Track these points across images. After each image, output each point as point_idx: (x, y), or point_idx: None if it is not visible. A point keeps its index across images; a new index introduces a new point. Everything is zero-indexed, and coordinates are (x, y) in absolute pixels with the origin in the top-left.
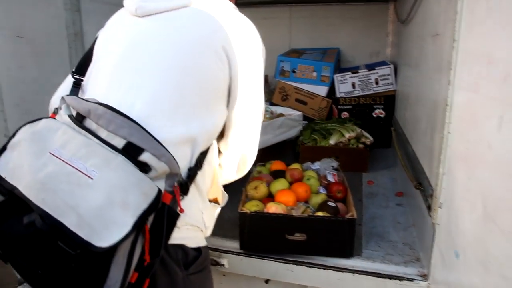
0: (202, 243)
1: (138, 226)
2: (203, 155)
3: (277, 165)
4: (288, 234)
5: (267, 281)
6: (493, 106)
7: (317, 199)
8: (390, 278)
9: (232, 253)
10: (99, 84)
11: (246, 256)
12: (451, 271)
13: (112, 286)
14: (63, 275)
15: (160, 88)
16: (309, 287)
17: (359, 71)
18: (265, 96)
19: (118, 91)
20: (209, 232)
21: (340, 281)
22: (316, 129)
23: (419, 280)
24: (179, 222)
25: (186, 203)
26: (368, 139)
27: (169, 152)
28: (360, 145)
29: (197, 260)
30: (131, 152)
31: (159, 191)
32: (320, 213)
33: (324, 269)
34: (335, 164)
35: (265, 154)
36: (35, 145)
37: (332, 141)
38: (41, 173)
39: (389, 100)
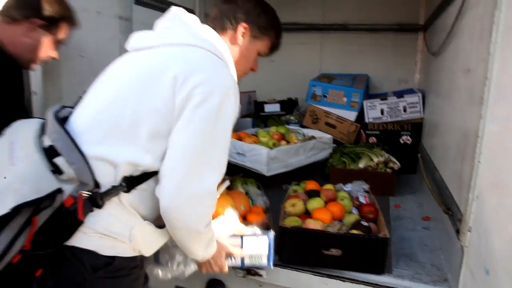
0: (120, 253)
1: (20, 212)
2: (133, 180)
3: (311, 185)
4: (324, 249)
5: None
6: None
7: (350, 219)
8: None
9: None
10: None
11: (283, 268)
12: (482, 287)
13: None
14: None
15: (102, 111)
16: None
17: (388, 98)
18: (295, 118)
19: (79, 107)
20: (146, 250)
21: None
22: (345, 152)
23: None
24: (88, 230)
25: (101, 214)
26: (396, 164)
27: (86, 164)
28: (388, 170)
29: (108, 266)
30: (50, 153)
31: (56, 191)
32: (354, 231)
33: (357, 283)
34: (366, 186)
35: (296, 174)
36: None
37: (361, 164)
38: None
39: (416, 127)
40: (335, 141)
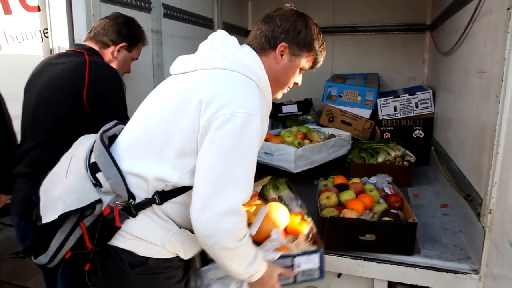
0: (154, 255)
1: (69, 218)
2: (165, 194)
3: (339, 179)
4: (360, 235)
5: (339, 275)
6: None
7: (379, 208)
8: (446, 272)
9: None
10: None
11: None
12: (507, 258)
13: (50, 252)
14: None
15: (140, 131)
16: (376, 280)
17: (400, 95)
18: (312, 118)
19: (126, 127)
20: (183, 254)
21: (404, 274)
22: (363, 148)
23: (472, 273)
24: (126, 234)
25: (138, 221)
26: (412, 157)
27: (121, 178)
28: (405, 163)
29: (143, 265)
30: (93, 169)
31: (96, 201)
32: (386, 218)
33: (391, 264)
34: (389, 179)
35: (319, 171)
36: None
37: (380, 159)
38: None
39: (427, 122)
40: (353, 138)
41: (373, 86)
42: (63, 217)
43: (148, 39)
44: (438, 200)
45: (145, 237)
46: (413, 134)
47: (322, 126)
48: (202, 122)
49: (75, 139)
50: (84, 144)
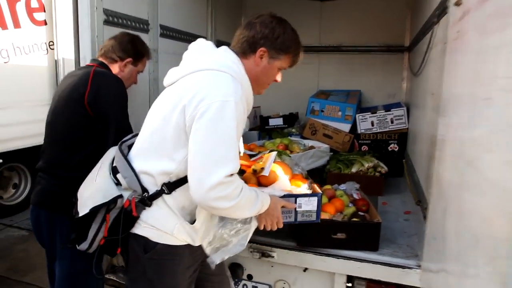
0: (163, 241)
1: (99, 211)
2: (171, 185)
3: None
4: (332, 234)
5: (305, 269)
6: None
7: (349, 210)
8: (396, 267)
9: (280, 247)
10: None
11: (290, 250)
12: (434, 253)
13: (88, 240)
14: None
15: (143, 140)
16: (337, 274)
17: (377, 111)
18: (296, 130)
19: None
20: (192, 241)
21: (360, 269)
22: (341, 159)
23: (416, 268)
24: (142, 222)
25: (149, 212)
26: (383, 168)
27: (134, 176)
28: (377, 174)
29: (152, 250)
30: (114, 171)
31: (117, 197)
32: (354, 219)
33: (349, 260)
34: (357, 186)
35: None
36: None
37: (354, 169)
38: None
39: (402, 137)
40: (331, 150)
41: (353, 103)
42: (94, 211)
43: None
44: (403, 208)
45: (157, 225)
46: (389, 148)
47: (306, 138)
48: (187, 117)
49: (81, 140)
50: (110, 153)
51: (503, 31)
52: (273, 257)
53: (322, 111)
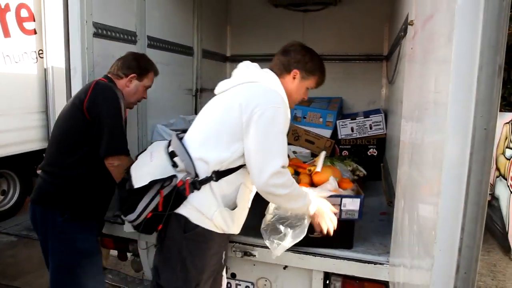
0: (202, 224)
1: (152, 186)
2: (220, 173)
3: None
4: (310, 233)
5: (285, 267)
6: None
7: None
8: (368, 263)
9: (262, 246)
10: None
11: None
12: (395, 246)
13: (137, 212)
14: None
15: (198, 131)
16: (314, 271)
17: (357, 118)
18: None
19: (189, 130)
20: (227, 228)
21: (335, 266)
22: None
23: (387, 264)
24: (188, 204)
25: (196, 195)
26: (362, 172)
27: (190, 160)
28: (355, 177)
29: (192, 231)
30: (171, 155)
31: (172, 176)
32: None
33: (325, 257)
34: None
35: None
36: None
37: None
38: None
39: (380, 142)
40: (313, 154)
41: (334, 109)
42: (151, 184)
43: None
44: (380, 209)
45: (200, 208)
46: (368, 152)
47: (289, 144)
48: (244, 118)
49: (78, 143)
50: (158, 144)
51: (433, 53)
52: (254, 256)
53: (304, 117)
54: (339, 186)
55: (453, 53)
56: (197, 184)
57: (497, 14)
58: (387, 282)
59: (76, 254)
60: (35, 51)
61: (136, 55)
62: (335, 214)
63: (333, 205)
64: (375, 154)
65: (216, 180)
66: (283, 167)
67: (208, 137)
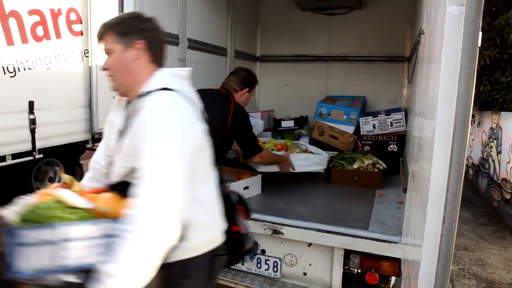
0: None
1: None
2: None
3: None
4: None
5: (309, 244)
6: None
7: None
8: (383, 242)
9: (289, 225)
10: None
11: (297, 228)
12: (406, 226)
13: None
14: None
15: None
16: (335, 248)
17: (379, 115)
18: (306, 132)
19: None
20: None
21: (354, 243)
22: (345, 157)
23: (400, 243)
24: None
25: None
26: (382, 165)
27: None
28: (376, 169)
29: None
30: None
31: None
32: None
33: (345, 236)
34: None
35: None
36: None
37: (355, 165)
38: None
39: (400, 138)
40: (337, 149)
41: (357, 107)
42: None
43: (176, 67)
44: (397, 199)
45: None
46: (388, 148)
47: (314, 139)
48: None
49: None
50: None
51: (432, 59)
52: (283, 233)
53: (329, 114)
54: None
55: (442, 60)
56: None
57: (472, 35)
58: (400, 259)
59: None
60: (81, 51)
61: (248, 72)
62: None
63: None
64: (395, 149)
65: None
66: None
67: None
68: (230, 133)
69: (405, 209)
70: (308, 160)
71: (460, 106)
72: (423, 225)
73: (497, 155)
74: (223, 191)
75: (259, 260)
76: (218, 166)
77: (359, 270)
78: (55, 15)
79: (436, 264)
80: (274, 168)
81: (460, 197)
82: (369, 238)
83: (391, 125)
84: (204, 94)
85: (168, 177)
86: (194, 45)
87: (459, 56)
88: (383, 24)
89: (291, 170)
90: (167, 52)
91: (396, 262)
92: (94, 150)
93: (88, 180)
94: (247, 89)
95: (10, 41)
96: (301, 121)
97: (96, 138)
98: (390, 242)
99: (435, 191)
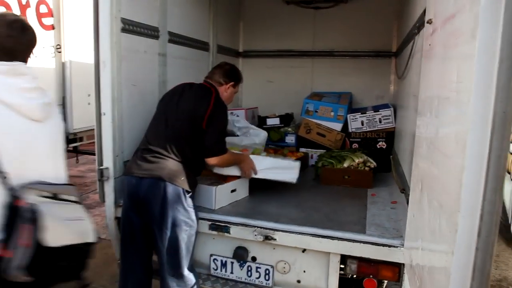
0: None
1: None
2: None
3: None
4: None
5: (304, 250)
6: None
7: None
8: (383, 246)
9: (282, 231)
10: None
11: (290, 233)
12: (411, 229)
13: None
14: None
15: None
16: (332, 254)
17: (367, 112)
18: (292, 130)
19: None
20: None
21: (352, 248)
22: (333, 155)
23: (400, 247)
24: None
25: None
26: (372, 163)
27: None
28: (366, 168)
29: None
30: None
31: None
32: None
33: (341, 240)
34: None
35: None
36: None
37: (345, 164)
38: None
39: (389, 135)
40: (324, 147)
41: (344, 104)
42: None
43: (155, 61)
44: (390, 198)
45: None
46: (377, 145)
47: (301, 137)
48: None
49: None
50: None
51: (455, 48)
52: (275, 239)
53: (316, 111)
54: None
55: (476, 48)
56: None
57: None
58: (401, 264)
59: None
60: (53, 46)
61: (233, 66)
62: None
63: None
64: (384, 146)
65: None
66: None
67: None
68: (205, 126)
69: (408, 211)
70: (276, 165)
71: (500, 102)
72: (450, 235)
73: None
74: (10, 201)
75: (249, 268)
76: None
77: (355, 276)
78: (23, 7)
79: (470, 282)
80: (235, 172)
81: (501, 206)
82: (368, 242)
83: (380, 122)
84: (185, 86)
85: None
86: (175, 39)
87: (498, 44)
88: (370, 18)
89: (253, 175)
90: (147, 45)
91: (396, 267)
92: (70, 151)
93: None
94: (232, 83)
95: None
96: (287, 119)
97: (71, 138)
98: (390, 246)
99: (468, 199)
